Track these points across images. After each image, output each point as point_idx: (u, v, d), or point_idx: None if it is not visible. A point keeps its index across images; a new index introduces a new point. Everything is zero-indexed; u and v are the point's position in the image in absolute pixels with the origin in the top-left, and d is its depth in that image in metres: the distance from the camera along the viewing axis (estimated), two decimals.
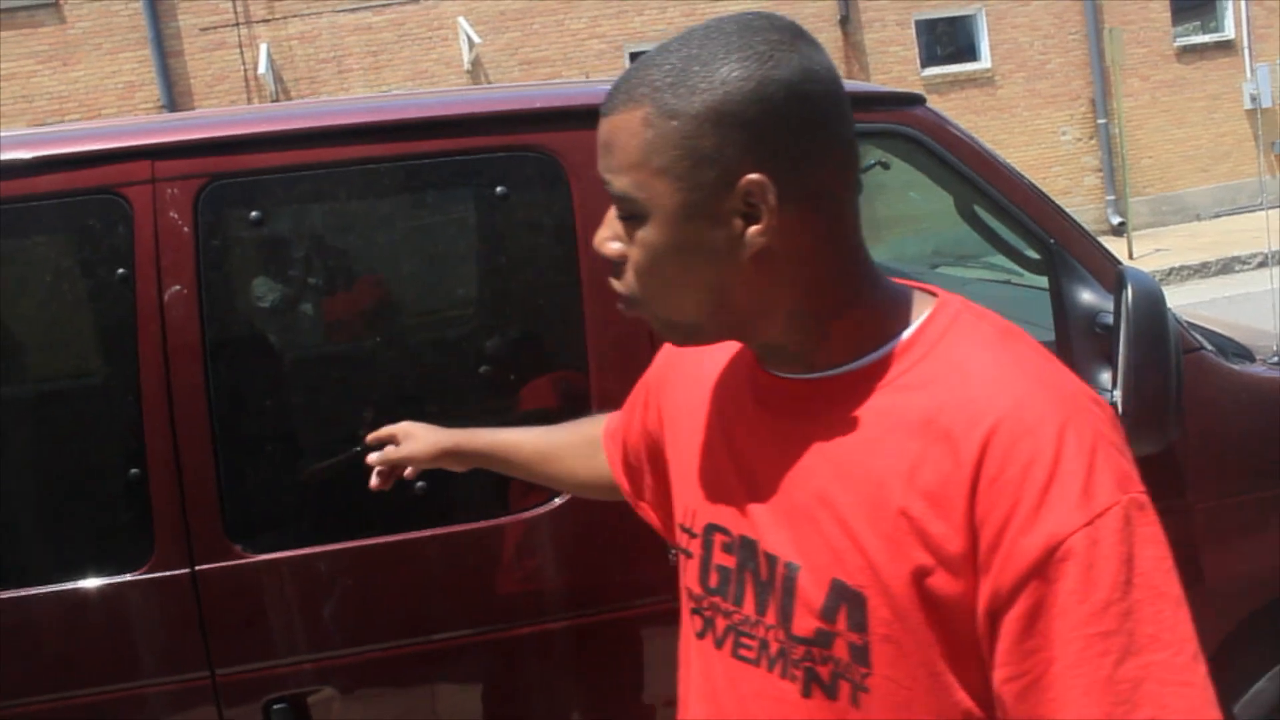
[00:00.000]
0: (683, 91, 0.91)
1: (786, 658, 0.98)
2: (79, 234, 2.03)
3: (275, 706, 1.95)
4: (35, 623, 1.96)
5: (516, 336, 2.21)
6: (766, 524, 1.00)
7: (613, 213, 1.00)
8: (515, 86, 2.78)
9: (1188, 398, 2.18)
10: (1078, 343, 2.33)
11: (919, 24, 14.70)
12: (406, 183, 2.16)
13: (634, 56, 13.88)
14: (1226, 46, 15.54)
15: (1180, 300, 8.10)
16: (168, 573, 1.93)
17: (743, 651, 1.03)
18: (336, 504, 2.10)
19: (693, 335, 1.02)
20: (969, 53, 15.02)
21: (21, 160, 1.98)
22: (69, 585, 1.95)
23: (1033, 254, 2.47)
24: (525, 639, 2.07)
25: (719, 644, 1.05)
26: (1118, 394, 2.15)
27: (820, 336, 0.99)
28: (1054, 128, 15.07)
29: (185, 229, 1.95)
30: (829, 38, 14.33)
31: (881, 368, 0.97)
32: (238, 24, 13.30)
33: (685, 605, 1.12)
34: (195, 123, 2.11)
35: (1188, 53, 15.39)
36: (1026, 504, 0.86)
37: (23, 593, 1.95)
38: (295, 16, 13.39)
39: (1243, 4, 15.41)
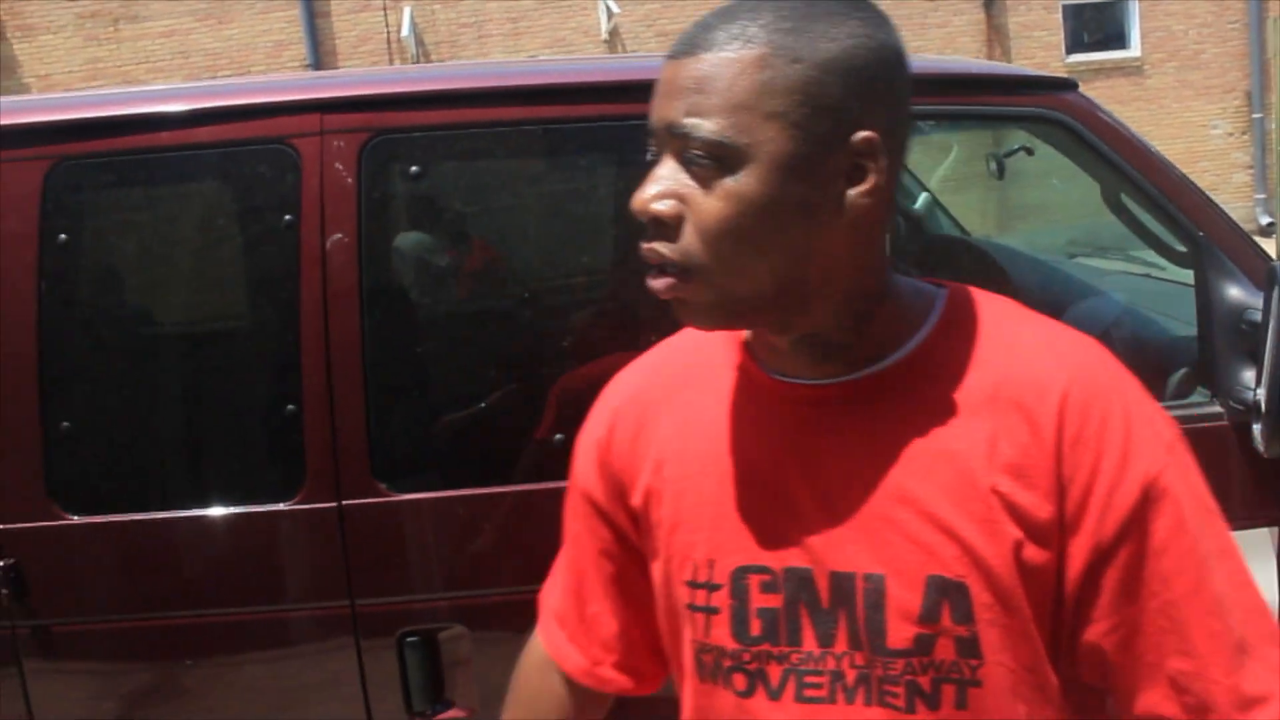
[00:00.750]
0: (807, 37, 0.87)
1: (872, 681, 0.92)
2: (251, 181, 2.15)
3: (408, 639, 2.05)
4: (192, 542, 2.11)
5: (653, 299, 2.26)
6: (828, 544, 0.93)
7: (668, 167, 0.90)
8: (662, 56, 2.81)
9: None
10: (1222, 338, 2.28)
11: (1066, 8, 14.26)
12: (558, 145, 2.22)
13: None
14: None
15: None
16: (316, 505, 2.05)
17: (809, 693, 0.94)
18: (475, 451, 2.19)
19: (746, 314, 0.93)
20: (1117, 40, 14.52)
21: (201, 110, 2.11)
22: (227, 510, 2.08)
23: (1180, 247, 2.42)
24: None
25: (775, 695, 0.95)
26: (1261, 391, 2.11)
27: (867, 323, 0.95)
28: (1204, 121, 14.49)
29: (349, 180, 2.05)
30: (971, 20, 14.01)
31: (926, 354, 0.95)
32: None
33: (709, 667, 0.99)
34: (362, 79, 2.21)
35: None
36: (1112, 456, 0.90)
37: (183, 514, 2.09)
38: None
39: None
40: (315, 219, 2.04)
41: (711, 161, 0.87)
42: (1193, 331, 2.41)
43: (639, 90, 2.17)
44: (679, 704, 1.06)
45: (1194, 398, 2.36)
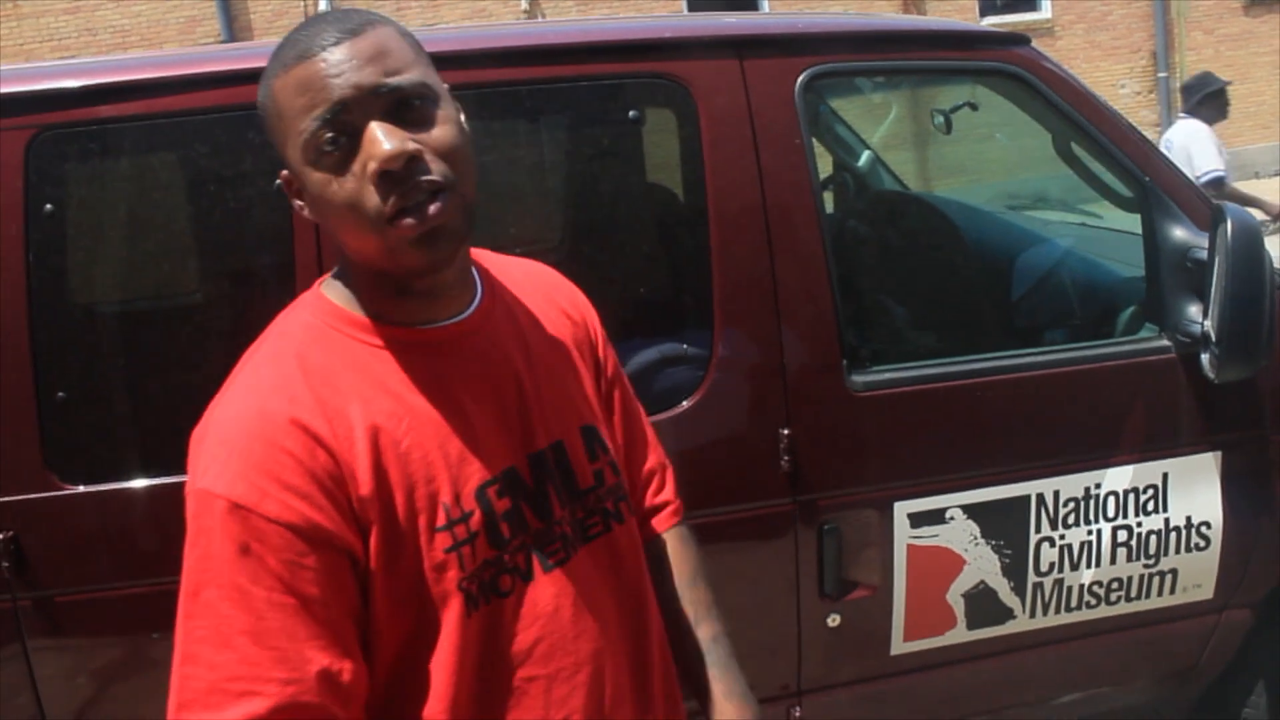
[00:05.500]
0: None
1: (579, 525, 1.19)
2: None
3: None
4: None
5: (647, 251, 2.34)
6: (524, 437, 1.17)
7: (381, 125, 1.03)
8: (648, 17, 2.87)
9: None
10: (1168, 276, 2.43)
11: None
12: (550, 105, 2.26)
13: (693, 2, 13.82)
14: None
15: None
16: None
17: (551, 560, 1.14)
18: None
19: (471, 232, 1.10)
20: (1028, 2, 14.82)
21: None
22: None
23: (1127, 192, 2.56)
24: None
25: (528, 577, 1.12)
26: (1209, 323, 2.26)
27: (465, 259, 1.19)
28: (1113, 80, 14.88)
29: None
30: None
31: (490, 283, 1.24)
32: None
33: (476, 594, 1.09)
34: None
35: (1256, 5, 15.09)
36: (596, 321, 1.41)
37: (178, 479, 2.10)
38: None
39: None
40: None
41: (424, 102, 1.06)
42: (1138, 271, 2.55)
43: (622, 50, 2.24)
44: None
45: (1142, 333, 2.51)
